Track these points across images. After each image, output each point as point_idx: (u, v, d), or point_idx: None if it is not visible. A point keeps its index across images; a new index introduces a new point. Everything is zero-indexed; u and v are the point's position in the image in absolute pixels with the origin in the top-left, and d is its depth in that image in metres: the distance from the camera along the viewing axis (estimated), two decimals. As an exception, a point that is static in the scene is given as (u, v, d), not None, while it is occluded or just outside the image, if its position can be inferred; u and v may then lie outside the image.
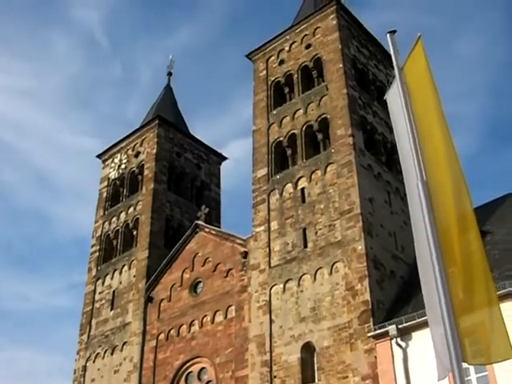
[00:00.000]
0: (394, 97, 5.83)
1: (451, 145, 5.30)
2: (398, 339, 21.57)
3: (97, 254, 36.51)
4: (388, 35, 5.97)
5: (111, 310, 33.76)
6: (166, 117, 39.11)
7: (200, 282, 30.43)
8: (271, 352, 25.30)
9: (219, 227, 34.28)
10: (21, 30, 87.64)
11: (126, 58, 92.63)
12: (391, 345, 21.82)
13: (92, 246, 37.23)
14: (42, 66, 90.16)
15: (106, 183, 39.03)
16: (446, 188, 5.21)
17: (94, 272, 35.99)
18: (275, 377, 24.80)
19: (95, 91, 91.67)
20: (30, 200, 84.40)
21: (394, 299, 24.27)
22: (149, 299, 31.94)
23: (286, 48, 32.60)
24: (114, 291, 34.24)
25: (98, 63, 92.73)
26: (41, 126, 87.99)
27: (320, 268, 25.32)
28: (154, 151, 36.89)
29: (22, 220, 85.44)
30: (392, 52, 5.93)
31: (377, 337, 22.43)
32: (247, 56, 34.27)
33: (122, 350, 31.89)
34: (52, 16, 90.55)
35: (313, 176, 27.74)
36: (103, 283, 35.11)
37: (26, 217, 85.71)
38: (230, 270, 29.16)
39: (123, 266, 34.44)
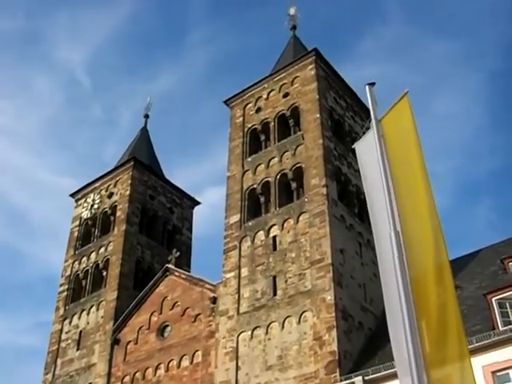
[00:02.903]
0: (366, 147, 5.84)
1: (431, 198, 5.31)
2: (364, 391, 21.36)
3: (65, 293, 35.91)
4: (367, 87, 6.04)
5: (77, 350, 33.15)
6: (141, 159, 39.07)
7: (168, 325, 30.02)
8: (236, 399, 24.87)
9: (189, 271, 33.92)
10: (3, 68, 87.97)
11: (107, 100, 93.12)
12: (357, 396, 21.58)
13: (60, 285, 36.63)
14: (23, 105, 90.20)
15: (77, 222, 38.63)
16: (424, 239, 5.19)
17: (61, 311, 35.35)
18: (239, 425, 24.37)
19: (74, 131, 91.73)
20: (2, 236, 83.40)
21: (361, 350, 24.11)
22: (115, 341, 31.43)
23: (264, 96, 32.81)
24: (80, 331, 33.68)
25: (79, 103, 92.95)
26: (18, 164, 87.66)
27: (288, 316, 25.12)
28: (128, 193, 36.74)
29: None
30: (370, 103, 5.98)
31: (343, 388, 22.19)
32: (225, 102, 34.40)
33: (86, 392, 31.15)
34: (35, 55, 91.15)
35: (285, 224, 27.69)
36: (70, 323, 34.52)
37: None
38: (199, 314, 28.81)
39: (91, 306, 33.94)
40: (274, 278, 26.63)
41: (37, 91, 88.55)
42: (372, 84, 6.07)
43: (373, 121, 5.79)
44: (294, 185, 29.12)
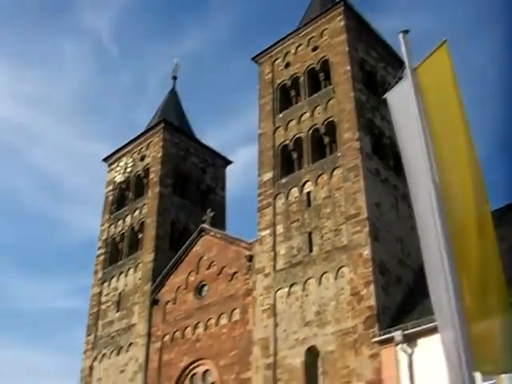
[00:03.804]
0: (399, 97, 5.70)
1: (472, 148, 5.16)
2: (404, 345, 21.36)
3: (103, 256, 36.54)
4: (400, 35, 5.86)
5: (117, 311, 33.82)
6: (172, 121, 39.07)
7: (205, 284, 30.35)
8: (275, 355, 25.16)
9: (224, 231, 34.08)
10: (32, 39, 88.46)
11: (135, 65, 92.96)
12: (396, 351, 21.62)
13: (98, 249, 37.23)
14: (53, 74, 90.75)
15: (111, 187, 39.09)
16: (464, 190, 5.06)
17: (100, 274, 36.02)
18: (279, 380, 24.66)
19: (104, 98, 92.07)
20: (40, 204, 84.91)
21: (400, 305, 24.05)
22: (154, 301, 31.94)
23: (293, 50, 32.32)
24: (119, 293, 34.30)
25: (107, 70, 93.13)
26: (51, 133, 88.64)
27: (325, 272, 25.15)
28: (160, 155, 36.85)
29: (31, 224, 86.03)
30: (404, 52, 5.81)
31: (382, 342, 22.24)
32: (253, 59, 33.99)
33: (127, 351, 31.97)
34: (62, 25, 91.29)
35: (319, 180, 27.53)
36: (109, 285, 35.17)
37: (35, 220, 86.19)
38: (235, 273, 29.03)
39: (129, 268, 34.46)
40: (310, 234, 26.59)
41: (65, 60, 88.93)
42: (405, 32, 5.89)
43: (407, 70, 5.63)
44: (326, 139, 28.85)
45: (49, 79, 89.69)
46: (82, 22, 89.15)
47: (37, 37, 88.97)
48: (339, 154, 27.43)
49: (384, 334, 22.24)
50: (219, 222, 36.10)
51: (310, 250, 26.22)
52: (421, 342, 20.98)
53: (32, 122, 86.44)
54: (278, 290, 26.37)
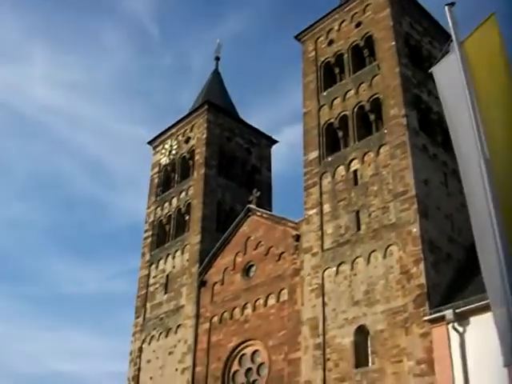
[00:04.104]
0: (446, 70, 5.60)
1: None
2: (455, 324, 21.09)
3: (150, 239, 37.02)
4: (446, 8, 5.76)
5: (165, 293, 34.27)
6: (215, 102, 39.15)
7: (253, 265, 30.52)
8: (324, 335, 25.19)
9: (271, 211, 34.22)
10: (71, 24, 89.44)
11: (176, 47, 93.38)
12: (448, 329, 21.38)
13: (145, 232, 37.75)
14: (93, 58, 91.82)
15: (157, 169, 39.52)
16: None
17: (147, 257, 36.53)
18: (328, 359, 24.71)
19: (146, 80, 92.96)
20: (85, 188, 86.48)
21: (450, 283, 23.78)
22: (202, 283, 32.26)
23: (336, 27, 32.04)
24: (167, 275, 34.74)
25: (149, 53, 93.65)
26: (94, 117, 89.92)
27: (374, 251, 25.03)
28: (204, 136, 37.03)
29: (78, 208, 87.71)
30: (450, 25, 5.71)
31: (433, 321, 22.05)
32: (296, 37, 33.80)
33: (176, 333, 32.39)
34: (101, 8, 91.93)
35: (365, 158, 27.32)
36: (157, 267, 35.66)
37: (82, 204, 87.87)
38: (283, 253, 29.10)
39: (176, 250, 34.83)
40: (357, 212, 26.47)
41: (105, 43, 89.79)
42: (451, 4, 5.78)
43: (454, 43, 5.53)
44: (372, 117, 28.57)
45: (89, 64, 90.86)
46: (121, 5, 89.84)
47: (75, 21, 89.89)
48: (385, 130, 27.16)
49: (435, 312, 22.04)
50: (265, 202, 36.25)
51: (358, 229, 26.11)
52: (473, 320, 20.72)
53: (75, 106, 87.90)
54: (326, 269, 26.37)
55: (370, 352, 23.90)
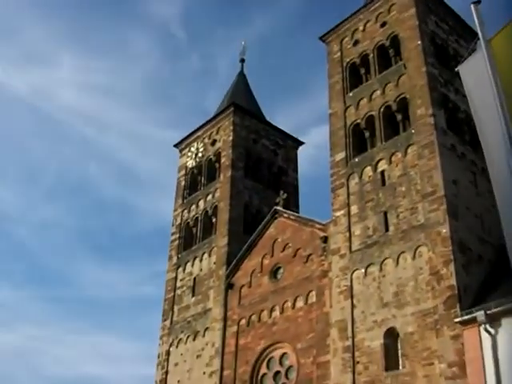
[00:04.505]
0: (472, 69, 5.56)
1: None
2: (487, 325, 20.81)
3: (177, 241, 37.29)
4: (472, 6, 5.72)
5: (192, 296, 34.41)
6: (241, 104, 39.34)
7: (280, 267, 30.49)
8: (353, 337, 25.09)
9: (298, 212, 34.22)
10: (98, 28, 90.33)
11: (203, 50, 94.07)
12: (479, 331, 21.10)
13: (172, 234, 38.03)
14: (120, 63, 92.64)
15: (183, 172, 39.85)
16: None
17: (174, 260, 36.75)
18: (358, 362, 24.60)
19: (173, 84, 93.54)
20: (113, 191, 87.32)
21: (481, 284, 23.47)
22: (229, 285, 32.32)
23: (361, 28, 32.03)
24: (194, 278, 34.91)
25: (175, 56, 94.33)
26: (121, 120, 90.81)
27: (403, 252, 24.87)
28: (231, 138, 37.25)
29: (106, 211, 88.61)
30: (477, 23, 5.67)
31: (464, 323, 21.80)
32: (321, 38, 33.87)
33: (203, 336, 32.50)
34: (128, 12, 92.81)
35: (393, 158, 27.19)
36: (184, 270, 35.86)
37: (109, 207, 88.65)
38: (310, 255, 29.04)
39: (203, 253, 35.02)
40: (385, 213, 26.34)
41: (133, 48, 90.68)
42: (478, 2, 5.74)
43: (481, 41, 5.49)
44: (399, 117, 28.43)
45: (116, 68, 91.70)
46: (148, 10, 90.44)
47: (101, 26, 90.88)
48: (413, 130, 27.01)
49: (466, 314, 21.78)
50: (292, 203, 36.36)
51: (386, 230, 25.99)
52: (505, 321, 20.48)
53: (101, 110, 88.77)
54: (355, 270, 26.28)
55: (400, 355, 23.74)
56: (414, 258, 24.43)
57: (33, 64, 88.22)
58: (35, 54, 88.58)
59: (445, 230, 23.80)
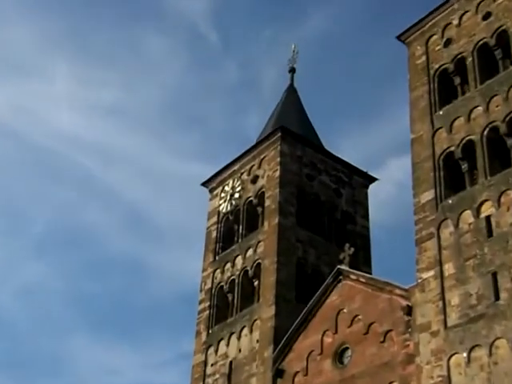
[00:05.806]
0: None
1: None
2: None
3: (207, 312, 37.25)
4: None
5: (228, 387, 34.23)
6: (292, 128, 39.44)
7: (347, 348, 29.90)
8: None
9: (370, 273, 34.34)
10: (103, 29, 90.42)
11: (241, 56, 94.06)
12: None
13: (200, 303, 38.10)
14: (134, 74, 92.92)
15: (215, 219, 40.06)
16: None
17: (203, 337, 36.67)
18: None
19: (201, 101, 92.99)
20: (121, 245, 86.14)
21: None
22: (278, 372, 31.95)
23: (455, 21, 31.53)
24: (230, 362, 34.63)
25: (205, 65, 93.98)
26: (132, 151, 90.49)
27: (522, 329, 24.05)
28: (278, 174, 37.38)
29: (112, 271, 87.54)
30: None
31: None
32: (398, 37, 33.81)
33: None
34: (143, 9, 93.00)
35: (502, 199, 26.37)
36: (216, 351, 35.70)
37: (114, 267, 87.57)
38: (389, 331, 28.35)
39: (242, 327, 34.80)
40: (494, 274, 25.24)
41: (149, 54, 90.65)
42: None
43: None
44: (509, 142, 27.50)
45: (126, 81, 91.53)
46: (168, 5, 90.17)
47: (107, 26, 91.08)
48: (531, 160, 26.41)
49: None
50: (362, 261, 36.42)
51: (497, 298, 24.90)
52: None
53: (109, 138, 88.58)
54: (453, 355, 25.22)
55: None
56: (538, 337, 23.56)
57: (15, 75, 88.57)
58: (19, 62, 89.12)
59: None
